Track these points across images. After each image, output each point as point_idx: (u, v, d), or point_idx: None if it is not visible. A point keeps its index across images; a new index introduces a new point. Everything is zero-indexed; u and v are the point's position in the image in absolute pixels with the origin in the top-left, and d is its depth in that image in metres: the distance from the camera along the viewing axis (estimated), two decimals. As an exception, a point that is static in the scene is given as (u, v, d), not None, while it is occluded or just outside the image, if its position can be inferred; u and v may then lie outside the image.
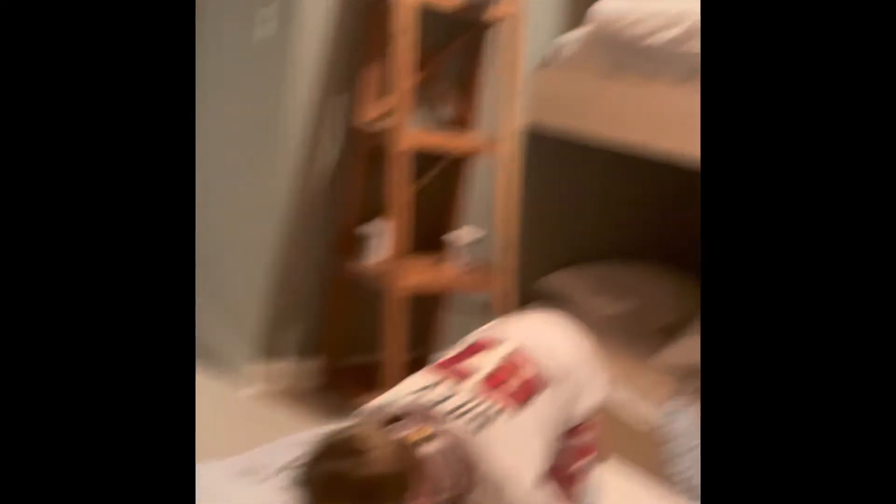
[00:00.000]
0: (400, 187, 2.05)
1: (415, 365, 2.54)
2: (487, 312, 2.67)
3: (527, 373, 1.19)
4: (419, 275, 2.20)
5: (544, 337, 1.30)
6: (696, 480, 1.86)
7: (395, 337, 2.07)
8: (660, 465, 1.99)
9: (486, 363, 1.18)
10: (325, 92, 2.22)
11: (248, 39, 2.39)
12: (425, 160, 2.41)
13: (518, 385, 1.16)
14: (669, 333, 2.46)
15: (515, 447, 1.09)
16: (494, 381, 1.15)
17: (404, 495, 0.93)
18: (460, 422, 1.07)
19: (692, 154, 2.00)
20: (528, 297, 2.81)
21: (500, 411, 1.10)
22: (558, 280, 2.77)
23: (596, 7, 2.34)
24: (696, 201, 3.09)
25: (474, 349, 1.23)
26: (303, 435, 1.72)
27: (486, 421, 1.08)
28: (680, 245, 3.04)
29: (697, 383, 2.10)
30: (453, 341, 2.64)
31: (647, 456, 2.04)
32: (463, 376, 1.15)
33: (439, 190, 2.49)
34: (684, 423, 1.97)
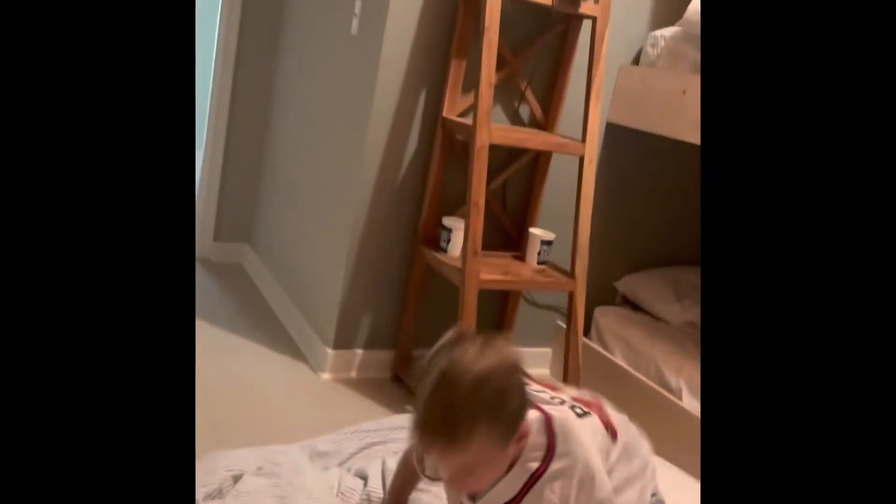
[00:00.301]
0: (480, 182, 2.05)
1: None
2: (560, 312, 2.65)
3: (610, 416, 1.14)
4: (494, 271, 2.20)
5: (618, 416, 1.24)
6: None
7: (467, 332, 2.08)
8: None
9: (568, 392, 1.15)
10: (414, 85, 2.24)
11: (346, 33, 2.44)
12: (511, 155, 2.42)
13: (605, 418, 1.12)
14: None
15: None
16: (583, 401, 1.13)
17: (503, 418, 0.93)
18: (564, 405, 1.06)
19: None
20: (603, 298, 2.77)
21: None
22: (634, 282, 2.72)
23: (690, 4, 2.27)
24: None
25: (546, 384, 1.18)
26: (372, 424, 1.75)
27: (585, 413, 1.07)
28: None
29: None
30: (525, 339, 2.67)
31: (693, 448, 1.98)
32: (555, 388, 1.14)
33: (521, 186, 2.49)
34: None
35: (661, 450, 1.72)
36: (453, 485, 0.94)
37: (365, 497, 1.44)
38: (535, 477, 0.99)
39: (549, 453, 0.99)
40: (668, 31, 2.41)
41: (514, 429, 0.95)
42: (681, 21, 2.33)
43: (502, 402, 0.92)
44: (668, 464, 1.73)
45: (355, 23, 2.35)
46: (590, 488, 1.00)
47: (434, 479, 1.03)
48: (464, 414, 0.90)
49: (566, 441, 1.00)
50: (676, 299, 2.60)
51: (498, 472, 0.97)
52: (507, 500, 1.00)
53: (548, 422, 1.01)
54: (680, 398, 2.19)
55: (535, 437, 0.99)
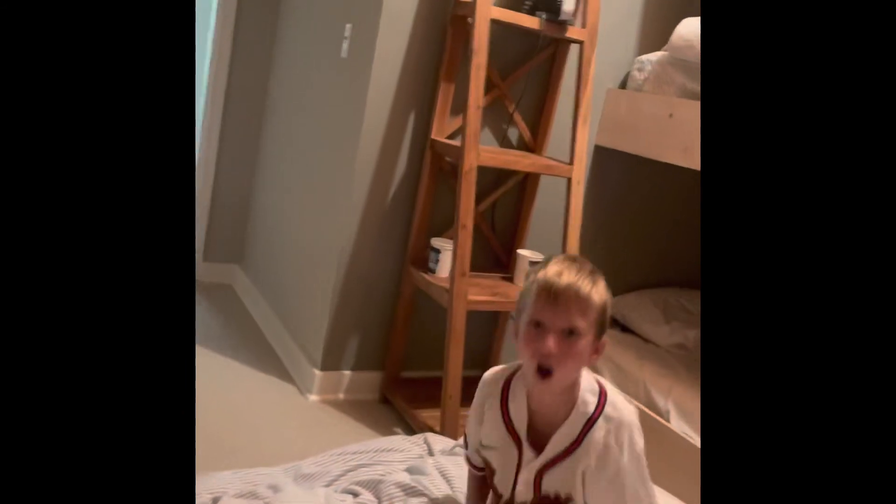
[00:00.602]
0: (468, 203, 2.07)
1: (476, 383, 2.56)
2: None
3: None
4: (483, 292, 2.21)
5: None
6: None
7: (455, 352, 2.08)
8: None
9: None
10: (403, 108, 2.26)
11: (336, 56, 2.46)
12: (499, 177, 2.43)
13: None
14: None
15: None
16: None
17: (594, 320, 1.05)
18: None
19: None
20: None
21: None
22: (622, 304, 2.72)
23: (676, 30, 2.31)
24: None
25: None
26: (359, 446, 1.74)
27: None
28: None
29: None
30: (514, 361, 2.66)
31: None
32: None
33: (509, 208, 2.50)
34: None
35: (649, 471, 1.71)
36: (556, 347, 1.02)
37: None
38: (592, 420, 1.08)
39: (602, 398, 1.10)
40: (655, 56, 2.44)
41: (604, 329, 1.07)
42: (667, 45, 2.36)
43: (607, 296, 1.07)
44: (656, 487, 1.73)
45: (345, 46, 2.38)
46: (633, 444, 1.10)
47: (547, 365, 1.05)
48: (591, 280, 1.04)
49: (614, 396, 1.11)
50: (665, 321, 2.61)
51: (581, 365, 1.06)
52: (567, 445, 1.09)
53: (598, 379, 1.13)
54: (668, 420, 2.19)
55: (590, 381, 1.11)
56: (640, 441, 1.11)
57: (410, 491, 1.44)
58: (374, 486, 1.50)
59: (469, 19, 2.09)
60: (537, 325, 1.04)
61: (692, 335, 2.53)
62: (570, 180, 2.25)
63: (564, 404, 1.10)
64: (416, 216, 2.31)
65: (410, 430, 2.21)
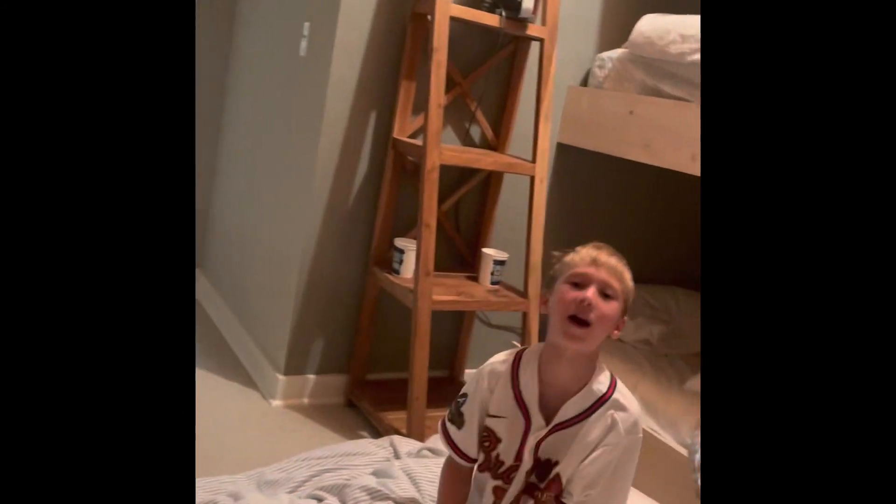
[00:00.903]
0: (431, 203, 2.05)
1: (442, 383, 2.54)
2: (515, 332, 2.65)
3: None
4: (448, 291, 2.19)
5: None
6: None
7: (421, 353, 2.05)
8: (692, 493, 1.94)
9: None
10: (363, 107, 2.23)
11: (295, 55, 2.43)
12: (462, 176, 2.42)
13: None
14: (699, 359, 2.40)
15: None
16: None
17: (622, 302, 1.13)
18: None
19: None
20: (558, 317, 2.78)
21: None
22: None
23: (636, 27, 2.32)
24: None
25: None
26: (324, 450, 1.71)
27: None
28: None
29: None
30: (480, 359, 2.65)
31: (680, 483, 1.99)
32: None
33: (473, 207, 2.49)
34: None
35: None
36: (594, 300, 1.09)
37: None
38: (603, 399, 1.14)
39: (613, 383, 1.16)
40: (615, 53, 2.46)
41: (627, 309, 1.14)
42: (627, 43, 2.37)
43: (631, 282, 1.16)
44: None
45: (304, 44, 2.34)
46: (635, 432, 1.15)
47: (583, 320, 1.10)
48: (621, 261, 1.15)
49: (622, 387, 1.17)
50: (629, 317, 2.62)
51: (608, 330, 1.12)
52: (575, 414, 1.14)
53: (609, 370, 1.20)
54: (634, 415, 2.20)
55: (602, 368, 1.17)
56: (639, 433, 1.16)
57: (376, 494, 1.42)
58: (339, 491, 1.47)
59: (429, 17, 2.07)
60: (576, 285, 1.11)
61: (656, 331, 2.54)
62: (532, 178, 2.25)
63: (578, 380, 1.15)
64: (379, 216, 2.29)
65: (377, 433, 2.18)
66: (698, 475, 1.92)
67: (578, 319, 1.08)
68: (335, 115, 2.20)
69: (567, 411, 1.15)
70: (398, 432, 2.07)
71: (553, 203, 2.63)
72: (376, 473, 1.54)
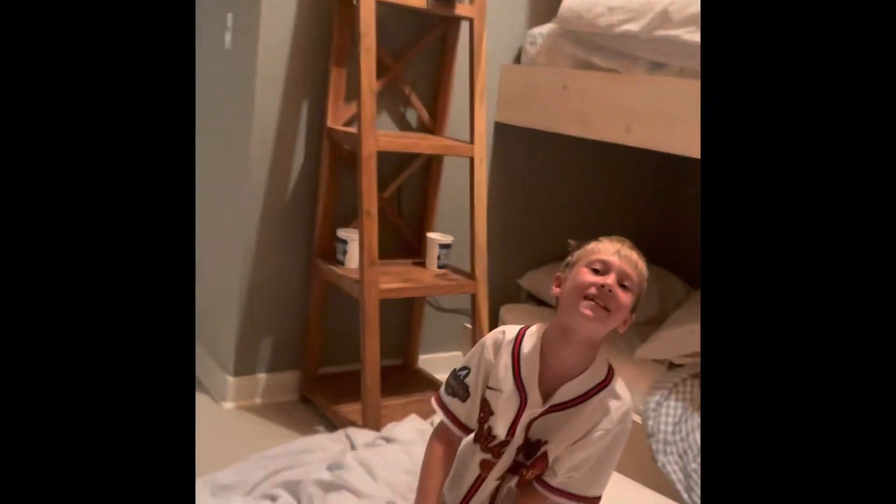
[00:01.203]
0: (370, 191, 2.02)
1: (397, 371, 2.53)
2: (467, 314, 2.65)
3: None
4: (395, 279, 2.17)
5: None
6: (679, 474, 1.84)
7: (371, 344, 2.03)
8: (646, 459, 1.97)
9: None
10: (294, 97, 2.18)
11: (220, 48, 2.35)
12: (401, 161, 2.39)
13: None
14: (650, 328, 2.44)
15: None
16: None
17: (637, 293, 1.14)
18: None
19: (664, 145, 1.99)
20: (508, 296, 2.79)
21: None
22: (536, 278, 2.75)
23: (564, 2, 2.32)
24: (673, 193, 3.09)
25: None
26: (279, 449, 1.68)
27: None
28: (657, 238, 3.03)
29: (677, 378, 2.08)
30: (434, 344, 2.65)
31: (636, 450, 2.02)
32: None
33: (415, 192, 2.47)
34: (665, 417, 1.95)
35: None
36: (614, 288, 1.10)
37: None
38: (599, 386, 1.15)
39: (611, 372, 1.17)
40: (546, 29, 2.46)
41: (637, 304, 1.15)
42: (556, 18, 2.37)
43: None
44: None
45: (228, 37, 2.27)
46: (626, 422, 1.16)
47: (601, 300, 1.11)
48: (642, 260, 1.16)
49: (619, 377, 1.19)
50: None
51: (620, 321, 1.13)
52: (572, 397, 1.15)
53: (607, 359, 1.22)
54: (588, 387, 2.22)
55: (602, 360, 1.18)
56: (630, 423, 1.18)
57: (329, 486, 1.40)
58: (293, 488, 1.44)
59: (354, 1, 2.03)
60: (596, 271, 1.12)
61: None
62: (472, 159, 2.24)
63: (579, 363, 1.15)
64: (319, 208, 2.25)
65: (333, 427, 2.16)
66: (652, 440, 1.95)
67: (600, 304, 1.09)
68: (265, 107, 2.15)
69: (565, 393, 1.15)
70: (354, 424, 2.05)
71: (495, 183, 2.63)
72: (331, 467, 1.52)
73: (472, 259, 2.26)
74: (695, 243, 2.98)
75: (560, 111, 2.30)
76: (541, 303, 2.77)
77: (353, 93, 2.20)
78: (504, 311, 2.71)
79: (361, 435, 1.79)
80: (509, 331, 1.23)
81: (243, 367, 2.28)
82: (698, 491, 1.82)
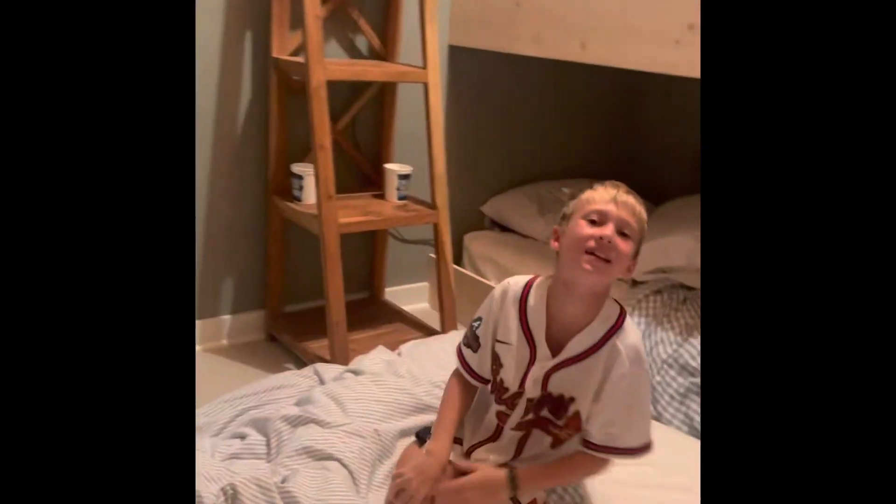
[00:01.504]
0: (322, 122, 1.95)
1: (364, 304, 2.52)
2: (431, 244, 2.63)
3: None
4: (354, 213, 2.13)
5: None
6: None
7: (334, 279, 2.01)
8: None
9: None
10: (236, 29, 2.08)
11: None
12: (354, 90, 2.32)
13: None
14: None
15: None
16: None
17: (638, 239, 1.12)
18: None
19: (621, 60, 1.94)
20: (472, 224, 2.77)
21: None
22: (498, 204, 2.73)
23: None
24: (631, 109, 3.06)
25: None
26: (247, 389, 1.68)
27: None
28: (617, 157, 3.02)
29: (640, 294, 2.11)
30: (400, 276, 2.64)
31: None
32: None
33: (371, 122, 2.40)
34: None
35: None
36: (613, 238, 1.07)
37: (245, 448, 1.38)
38: (612, 331, 1.12)
39: (622, 315, 1.14)
40: (496, -56, 2.36)
41: (638, 250, 1.12)
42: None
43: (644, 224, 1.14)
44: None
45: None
46: (643, 363, 1.13)
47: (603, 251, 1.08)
48: (638, 202, 1.12)
49: (629, 318, 1.15)
50: (540, 214, 2.64)
51: (621, 270, 1.10)
52: (585, 349, 1.12)
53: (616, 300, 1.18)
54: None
55: (612, 305, 1.14)
56: (644, 364, 1.15)
57: (297, 421, 1.40)
58: (261, 426, 1.44)
59: (291, -80, 1.92)
60: (593, 222, 1.09)
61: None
62: (426, 85, 2.17)
63: (586, 314, 1.12)
64: (272, 143, 2.18)
65: (301, 364, 2.15)
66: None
67: (600, 256, 1.05)
68: (207, 40, 2.04)
69: (576, 346, 1.12)
70: (323, 360, 2.05)
71: (451, 109, 2.57)
72: (299, 402, 1.52)
73: (433, 188, 2.22)
74: (654, 159, 2.97)
75: (514, 30, 2.23)
76: (504, 229, 2.76)
77: (298, 20, 2.11)
78: (468, 239, 2.70)
79: (330, 370, 1.79)
80: (515, 283, 1.19)
81: (207, 310, 2.25)
82: (662, 402, 1.87)
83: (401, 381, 1.59)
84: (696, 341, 1.89)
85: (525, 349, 1.16)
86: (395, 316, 2.44)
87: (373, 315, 2.43)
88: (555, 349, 1.14)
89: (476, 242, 2.65)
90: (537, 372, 1.14)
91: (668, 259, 2.12)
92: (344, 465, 1.28)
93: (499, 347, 1.19)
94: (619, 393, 1.12)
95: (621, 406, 1.12)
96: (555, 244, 1.15)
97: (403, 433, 1.45)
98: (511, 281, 1.21)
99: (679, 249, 2.10)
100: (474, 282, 2.51)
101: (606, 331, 1.11)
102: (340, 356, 2.03)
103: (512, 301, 1.18)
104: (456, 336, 1.82)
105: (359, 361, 1.77)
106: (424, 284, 2.72)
